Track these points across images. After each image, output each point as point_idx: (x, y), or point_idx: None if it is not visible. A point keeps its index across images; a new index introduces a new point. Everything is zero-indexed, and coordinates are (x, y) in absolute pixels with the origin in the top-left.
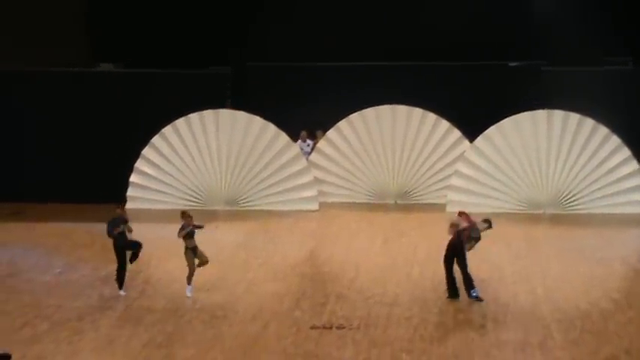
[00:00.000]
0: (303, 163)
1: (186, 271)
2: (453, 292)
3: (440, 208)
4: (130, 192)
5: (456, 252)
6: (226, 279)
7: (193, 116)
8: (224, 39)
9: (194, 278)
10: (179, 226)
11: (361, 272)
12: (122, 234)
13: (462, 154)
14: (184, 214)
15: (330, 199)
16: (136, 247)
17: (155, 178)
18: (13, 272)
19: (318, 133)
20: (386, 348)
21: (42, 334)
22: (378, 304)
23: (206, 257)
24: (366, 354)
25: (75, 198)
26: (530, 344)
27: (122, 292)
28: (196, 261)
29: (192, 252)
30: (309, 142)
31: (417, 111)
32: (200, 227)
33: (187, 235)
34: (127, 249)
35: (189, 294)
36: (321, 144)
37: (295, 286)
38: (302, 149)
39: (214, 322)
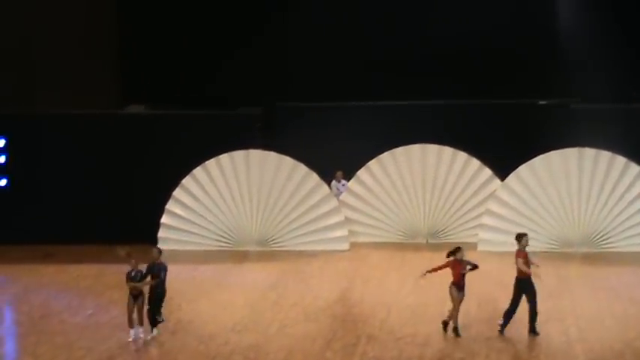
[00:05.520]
0: (333, 203)
1: (216, 313)
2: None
3: (471, 247)
4: (161, 233)
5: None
6: (257, 320)
7: (224, 157)
8: (253, 79)
9: (225, 319)
10: (209, 267)
11: (392, 312)
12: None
13: (493, 192)
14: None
15: (360, 239)
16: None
17: (186, 219)
18: (45, 314)
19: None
20: None
21: None
22: (410, 345)
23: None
24: None
25: (106, 239)
26: None
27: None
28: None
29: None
30: (343, 182)
31: (448, 150)
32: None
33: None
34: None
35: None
36: (352, 184)
37: (326, 327)
38: (338, 189)
39: None
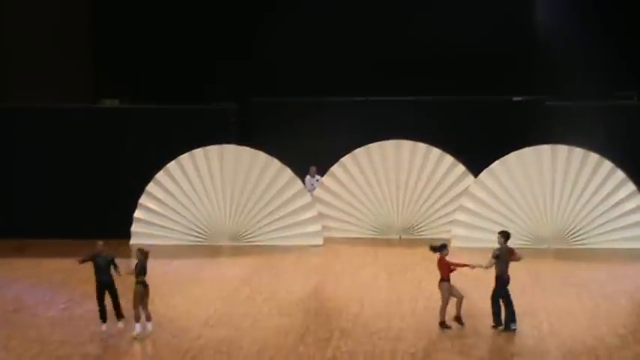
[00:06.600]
0: (307, 198)
1: (189, 307)
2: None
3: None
4: (134, 228)
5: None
6: (230, 314)
7: (198, 152)
8: (229, 74)
9: (198, 313)
10: (183, 262)
11: (365, 307)
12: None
13: (467, 188)
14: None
15: (334, 234)
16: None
17: (159, 214)
18: (18, 308)
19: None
20: None
21: None
22: (383, 340)
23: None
24: None
25: (79, 234)
26: None
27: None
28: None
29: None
30: (317, 177)
31: (422, 146)
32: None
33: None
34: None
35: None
36: (325, 179)
37: (299, 322)
38: (312, 185)
39: (218, 358)
